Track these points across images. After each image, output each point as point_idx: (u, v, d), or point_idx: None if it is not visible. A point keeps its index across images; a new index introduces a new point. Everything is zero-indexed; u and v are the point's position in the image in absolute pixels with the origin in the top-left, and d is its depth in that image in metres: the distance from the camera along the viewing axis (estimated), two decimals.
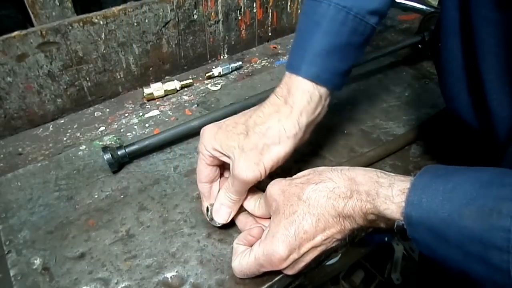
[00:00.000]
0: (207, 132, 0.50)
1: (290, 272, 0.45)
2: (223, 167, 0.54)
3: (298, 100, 0.47)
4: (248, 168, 0.46)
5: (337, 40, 0.47)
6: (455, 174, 0.36)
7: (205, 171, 0.51)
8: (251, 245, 0.47)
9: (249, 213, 0.52)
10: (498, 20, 0.38)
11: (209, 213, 0.50)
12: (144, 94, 0.75)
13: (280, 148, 0.47)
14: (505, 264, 0.30)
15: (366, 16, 0.47)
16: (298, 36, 0.51)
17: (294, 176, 0.46)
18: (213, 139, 0.49)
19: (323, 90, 0.48)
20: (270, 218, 0.49)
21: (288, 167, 0.63)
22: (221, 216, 0.50)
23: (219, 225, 0.51)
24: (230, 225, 0.53)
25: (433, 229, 0.34)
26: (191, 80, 0.80)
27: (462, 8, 0.41)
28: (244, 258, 0.45)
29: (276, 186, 0.45)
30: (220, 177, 0.53)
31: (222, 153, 0.48)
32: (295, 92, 0.48)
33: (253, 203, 0.50)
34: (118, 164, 0.61)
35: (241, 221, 0.52)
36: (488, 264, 0.32)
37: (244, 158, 0.46)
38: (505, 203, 0.31)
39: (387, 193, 0.38)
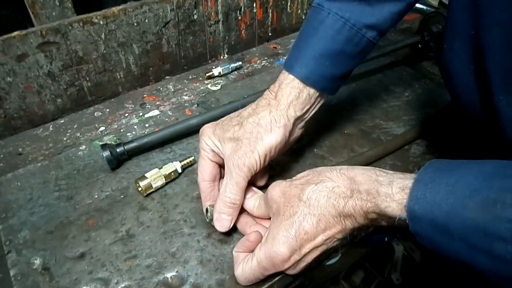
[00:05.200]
0: (206, 129, 0.53)
1: (292, 272, 0.45)
2: (222, 171, 0.54)
3: (286, 94, 0.51)
4: (244, 155, 0.48)
5: (331, 46, 0.50)
6: (458, 167, 0.36)
7: (207, 167, 0.52)
8: (251, 251, 0.46)
9: (248, 213, 0.52)
10: (510, 20, 0.38)
11: (209, 214, 0.50)
12: (141, 189, 0.57)
13: (272, 136, 0.49)
14: (509, 255, 0.30)
15: (363, 29, 0.50)
16: (298, 37, 0.53)
17: (294, 178, 0.46)
18: (212, 134, 0.52)
19: (312, 91, 0.51)
20: (269, 218, 0.49)
21: (288, 167, 0.63)
22: (222, 225, 0.50)
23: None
24: None
25: (436, 222, 0.34)
26: (192, 158, 0.62)
27: (471, 9, 0.41)
28: (247, 264, 0.45)
29: (276, 188, 0.45)
30: (220, 179, 0.54)
31: (224, 150, 0.50)
32: (285, 87, 0.51)
33: (252, 203, 0.50)
34: (117, 161, 0.61)
35: (241, 221, 0.52)
36: (493, 255, 0.31)
37: (241, 147, 0.48)
38: (509, 194, 0.31)
39: (387, 191, 0.38)
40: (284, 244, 0.42)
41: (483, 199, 0.32)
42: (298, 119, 0.52)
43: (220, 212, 0.49)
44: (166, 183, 0.59)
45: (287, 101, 0.51)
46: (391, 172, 0.41)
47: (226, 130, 0.51)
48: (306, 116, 0.54)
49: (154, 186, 0.57)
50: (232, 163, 0.48)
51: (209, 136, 0.52)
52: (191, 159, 0.61)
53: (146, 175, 0.57)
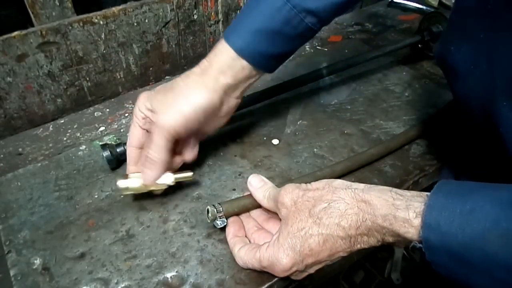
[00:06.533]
0: (142, 94, 0.54)
1: (293, 278, 0.45)
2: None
3: (220, 61, 0.52)
4: (167, 114, 0.50)
5: (269, 24, 0.50)
6: (471, 193, 0.34)
7: (137, 134, 0.54)
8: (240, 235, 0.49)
9: (251, 218, 0.52)
10: None
11: (210, 214, 0.50)
12: (120, 188, 0.53)
13: (198, 97, 0.51)
14: None
15: (302, 13, 0.50)
16: (242, 8, 0.54)
17: (308, 186, 0.45)
18: (146, 99, 0.53)
19: (245, 63, 0.51)
20: (276, 213, 0.49)
21: (288, 168, 0.63)
22: (145, 178, 0.52)
23: (220, 226, 0.51)
24: None
25: (454, 254, 0.33)
26: (190, 174, 0.55)
27: (482, 13, 0.40)
28: (251, 252, 0.45)
29: (289, 195, 0.44)
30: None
31: (153, 110, 0.52)
32: (220, 55, 0.52)
33: (262, 193, 0.49)
34: (117, 161, 0.61)
35: (243, 222, 0.52)
36: None
37: (166, 106, 0.50)
38: None
39: (404, 216, 0.37)
40: (288, 256, 0.42)
41: (503, 232, 0.31)
42: (230, 88, 0.53)
43: (144, 166, 0.52)
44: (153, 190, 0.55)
45: (220, 68, 0.51)
46: (409, 194, 0.39)
47: (158, 93, 0.52)
48: (240, 86, 0.54)
49: (131, 187, 0.53)
50: (157, 122, 0.50)
51: (143, 102, 0.53)
52: (189, 174, 0.55)
53: (131, 175, 0.53)
